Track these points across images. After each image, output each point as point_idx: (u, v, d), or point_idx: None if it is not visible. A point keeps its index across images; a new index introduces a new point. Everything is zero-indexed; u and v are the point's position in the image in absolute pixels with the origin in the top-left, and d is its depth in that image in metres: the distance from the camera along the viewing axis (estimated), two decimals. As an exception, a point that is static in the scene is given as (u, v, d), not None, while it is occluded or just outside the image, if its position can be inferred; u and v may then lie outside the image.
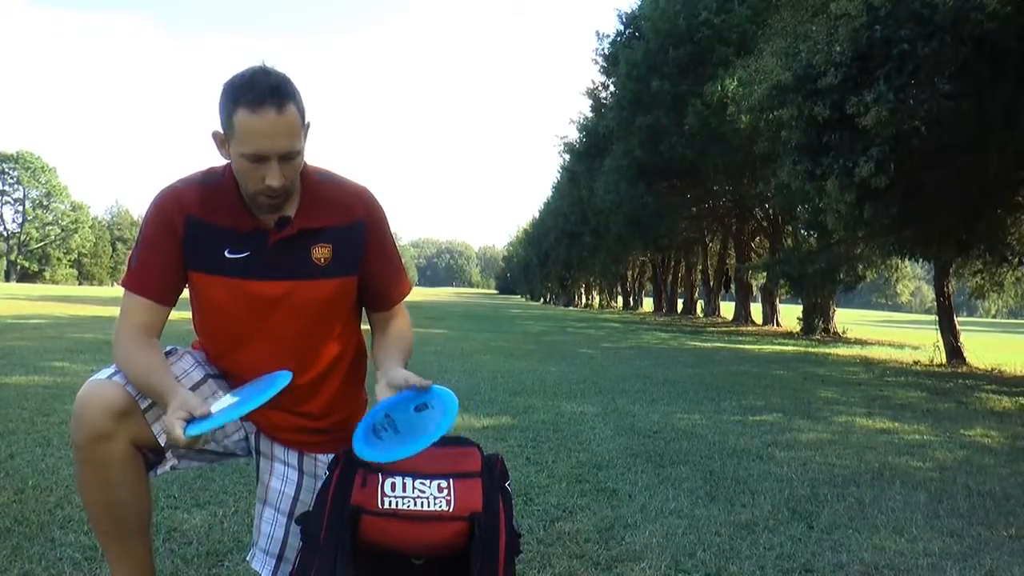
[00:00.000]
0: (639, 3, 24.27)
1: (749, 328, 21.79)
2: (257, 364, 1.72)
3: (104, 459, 1.58)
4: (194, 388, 1.70)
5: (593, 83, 33.06)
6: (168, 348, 1.74)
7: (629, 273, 47.35)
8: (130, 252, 1.73)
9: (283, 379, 1.58)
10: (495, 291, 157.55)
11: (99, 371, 1.65)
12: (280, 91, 1.54)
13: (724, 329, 21.04)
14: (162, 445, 1.65)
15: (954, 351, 12.17)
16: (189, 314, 1.77)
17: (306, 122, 1.62)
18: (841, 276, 16.62)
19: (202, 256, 1.67)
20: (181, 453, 1.70)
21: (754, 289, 25.70)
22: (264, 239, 1.67)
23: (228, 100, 1.55)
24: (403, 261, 1.90)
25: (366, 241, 1.75)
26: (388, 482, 1.55)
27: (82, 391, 1.60)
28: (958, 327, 12.66)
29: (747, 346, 14.12)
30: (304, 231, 1.68)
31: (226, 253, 1.67)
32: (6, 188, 76.32)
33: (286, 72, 1.61)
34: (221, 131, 1.60)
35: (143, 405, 1.60)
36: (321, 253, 1.70)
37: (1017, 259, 12.72)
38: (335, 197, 1.73)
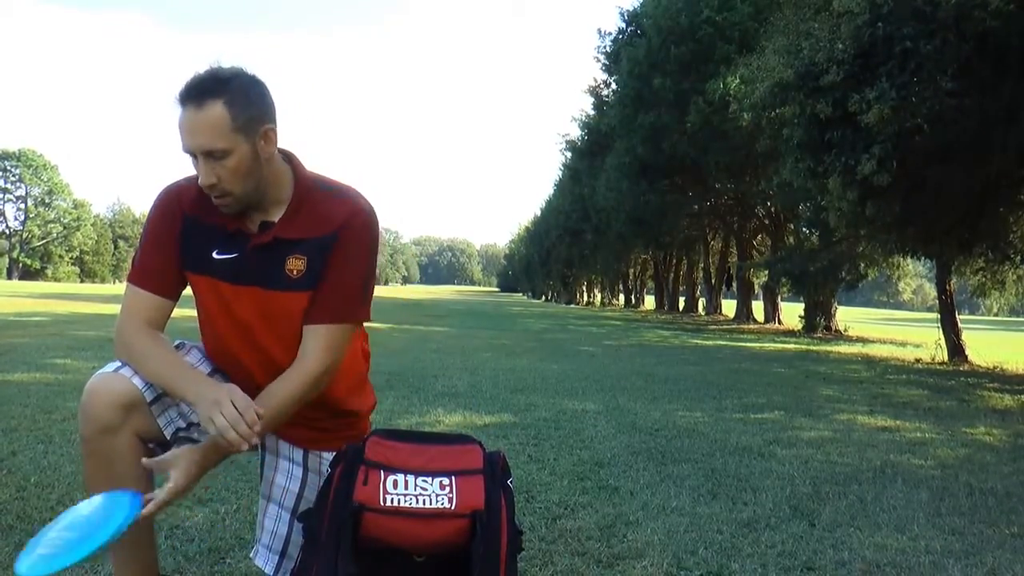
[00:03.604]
0: (641, 1, 24.24)
1: (751, 326, 21.78)
2: (247, 372, 1.72)
3: (110, 452, 1.58)
4: None
5: (595, 81, 33.14)
6: (176, 342, 1.75)
7: (631, 271, 47.32)
8: (136, 248, 1.74)
9: (123, 514, 1.39)
10: (497, 289, 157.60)
11: (105, 365, 1.66)
12: (202, 88, 1.52)
13: (726, 327, 21.03)
14: (168, 439, 1.65)
15: (956, 349, 12.16)
16: (192, 311, 1.77)
17: (262, 125, 1.57)
18: (843, 274, 16.60)
19: (194, 255, 1.68)
20: (187, 447, 1.71)
21: (756, 287, 25.69)
22: (245, 242, 1.65)
23: None
24: (370, 293, 1.73)
25: (331, 253, 1.65)
26: (390, 479, 1.55)
27: (89, 384, 1.60)
28: (960, 325, 12.66)
29: (748, 344, 14.11)
30: (279, 240, 1.64)
31: (214, 254, 1.66)
32: (8, 186, 76.41)
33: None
34: None
35: (149, 398, 1.61)
36: (295, 265, 1.65)
37: (1019, 257, 12.69)
38: (321, 208, 1.67)
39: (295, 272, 1.65)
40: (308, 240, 1.65)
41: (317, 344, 1.65)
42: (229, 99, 1.53)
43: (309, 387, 1.64)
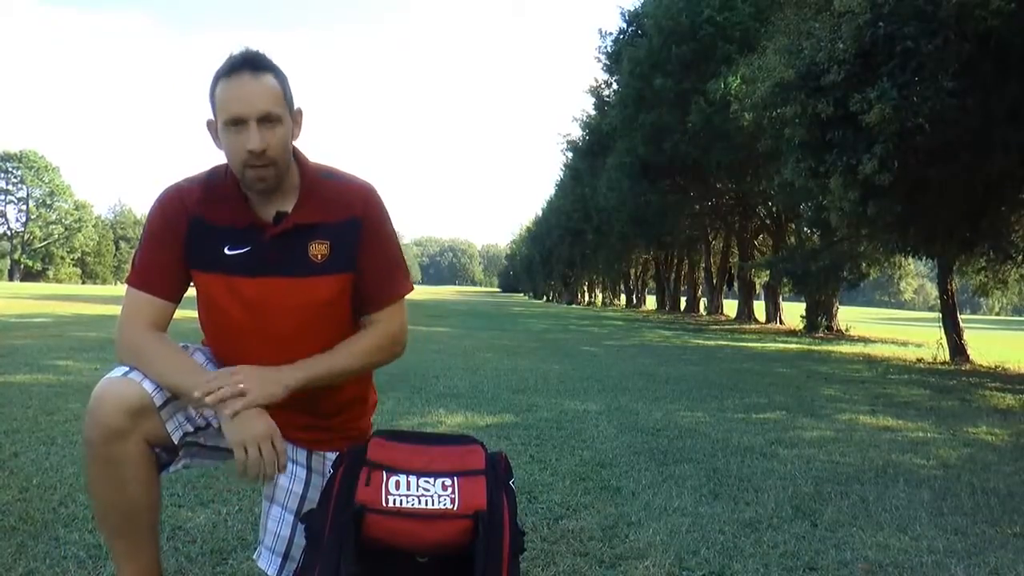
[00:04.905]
0: (642, 1, 24.26)
1: (752, 326, 21.76)
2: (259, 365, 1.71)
3: (118, 457, 1.58)
4: None
5: (596, 81, 33.19)
6: (179, 345, 1.74)
7: (632, 271, 47.30)
8: (134, 251, 1.73)
9: None
10: (498, 289, 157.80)
11: (113, 369, 1.64)
12: (255, 60, 1.60)
13: (727, 327, 21.02)
14: (175, 443, 1.65)
15: (957, 348, 12.15)
16: (194, 313, 1.77)
17: (295, 106, 1.67)
18: (844, 274, 16.60)
19: (202, 254, 1.68)
20: (193, 452, 1.70)
21: (757, 287, 25.67)
22: (261, 235, 1.66)
23: (211, 82, 1.61)
24: (405, 262, 1.85)
25: (361, 238, 1.72)
26: (392, 480, 1.55)
27: (97, 388, 1.59)
28: (961, 324, 12.64)
29: (750, 344, 14.10)
30: (300, 226, 1.67)
31: (226, 250, 1.67)
32: (9, 187, 76.59)
33: (287, 67, 1.67)
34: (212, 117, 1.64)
35: (158, 403, 1.60)
36: (318, 250, 1.68)
37: (1021, 256, 12.67)
38: (334, 193, 1.72)
39: (319, 256, 1.68)
40: (326, 224, 1.69)
41: (388, 315, 1.77)
42: (276, 74, 1.63)
43: (384, 341, 1.75)
